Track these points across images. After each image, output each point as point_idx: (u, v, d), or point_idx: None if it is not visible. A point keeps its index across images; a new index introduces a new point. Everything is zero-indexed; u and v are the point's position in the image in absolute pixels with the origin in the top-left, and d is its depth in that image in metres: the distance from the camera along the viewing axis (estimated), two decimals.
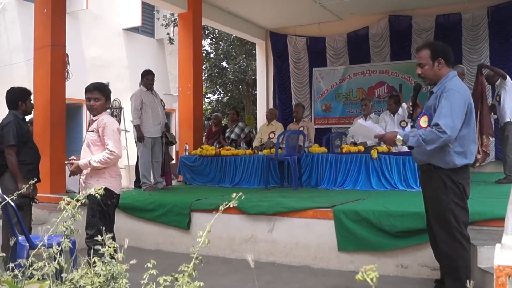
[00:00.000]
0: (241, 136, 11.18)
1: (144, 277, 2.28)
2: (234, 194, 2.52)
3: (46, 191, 8.19)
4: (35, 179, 4.01)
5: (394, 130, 9.23)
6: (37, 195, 7.20)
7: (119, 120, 10.58)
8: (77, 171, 4.89)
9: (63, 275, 2.45)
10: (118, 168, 5.00)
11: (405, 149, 8.27)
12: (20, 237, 4.58)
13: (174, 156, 16.47)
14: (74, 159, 4.92)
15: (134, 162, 10.49)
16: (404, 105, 8.90)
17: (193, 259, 2.28)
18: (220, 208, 2.49)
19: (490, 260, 4.18)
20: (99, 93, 4.91)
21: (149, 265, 2.33)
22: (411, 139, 4.04)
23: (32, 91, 6.34)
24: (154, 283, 2.21)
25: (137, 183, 9.52)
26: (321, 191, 8.17)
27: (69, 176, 5.25)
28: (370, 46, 13.39)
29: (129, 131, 10.05)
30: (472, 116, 4.08)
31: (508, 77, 8.35)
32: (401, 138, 4.12)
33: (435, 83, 4.22)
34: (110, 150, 4.71)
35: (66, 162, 5.07)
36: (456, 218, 4.02)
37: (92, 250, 2.84)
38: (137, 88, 9.13)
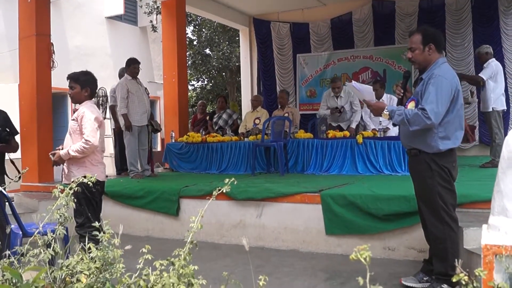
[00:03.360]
0: (229, 123, 11.20)
1: (139, 261, 2.32)
2: (227, 180, 2.54)
3: (34, 180, 8.22)
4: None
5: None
6: (25, 184, 7.18)
7: (105, 109, 10.54)
8: (59, 161, 4.96)
9: (59, 261, 2.49)
10: (99, 156, 5.02)
11: (391, 133, 8.39)
12: (13, 225, 4.61)
13: (159, 144, 16.51)
14: (60, 149, 4.96)
15: (113, 151, 10.57)
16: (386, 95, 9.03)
17: (187, 244, 2.33)
18: (214, 193, 2.53)
19: (476, 241, 4.27)
20: (73, 81, 5.00)
21: (144, 250, 2.37)
22: (396, 116, 4.09)
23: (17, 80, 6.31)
24: (150, 268, 2.25)
25: (120, 171, 9.60)
26: (308, 176, 8.24)
27: (52, 166, 5.27)
28: (354, 32, 13.41)
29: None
30: (459, 101, 4.13)
31: (493, 66, 8.40)
32: (387, 113, 4.17)
33: (424, 68, 4.27)
34: (86, 140, 4.76)
35: (50, 153, 5.10)
36: (443, 200, 4.10)
37: (85, 238, 2.86)
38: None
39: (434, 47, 4.21)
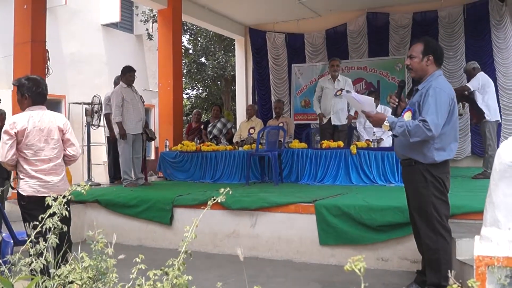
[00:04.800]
0: (223, 132, 11.23)
1: (133, 271, 2.31)
2: (222, 189, 2.53)
3: None
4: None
5: None
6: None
7: (99, 117, 10.52)
8: None
9: (51, 270, 2.48)
10: (27, 168, 4.52)
11: (384, 144, 8.41)
12: (4, 234, 4.58)
13: (153, 152, 16.49)
14: None
15: (106, 159, 10.55)
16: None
17: (181, 253, 2.32)
18: (209, 203, 2.52)
19: (468, 252, 4.28)
20: (16, 89, 4.68)
21: (137, 259, 2.37)
22: (397, 128, 4.09)
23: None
24: (143, 278, 2.25)
25: (113, 179, 9.63)
26: (302, 186, 8.24)
27: None
28: (348, 43, 13.50)
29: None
30: (454, 114, 4.17)
31: (484, 79, 8.45)
32: (388, 124, 4.18)
33: (419, 78, 4.32)
34: None
35: None
36: (437, 211, 4.12)
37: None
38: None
39: (432, 59, 4.26)
